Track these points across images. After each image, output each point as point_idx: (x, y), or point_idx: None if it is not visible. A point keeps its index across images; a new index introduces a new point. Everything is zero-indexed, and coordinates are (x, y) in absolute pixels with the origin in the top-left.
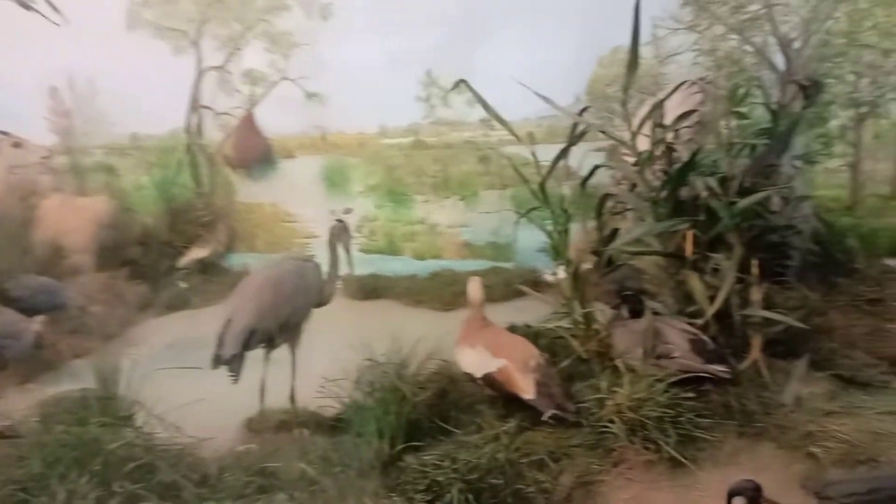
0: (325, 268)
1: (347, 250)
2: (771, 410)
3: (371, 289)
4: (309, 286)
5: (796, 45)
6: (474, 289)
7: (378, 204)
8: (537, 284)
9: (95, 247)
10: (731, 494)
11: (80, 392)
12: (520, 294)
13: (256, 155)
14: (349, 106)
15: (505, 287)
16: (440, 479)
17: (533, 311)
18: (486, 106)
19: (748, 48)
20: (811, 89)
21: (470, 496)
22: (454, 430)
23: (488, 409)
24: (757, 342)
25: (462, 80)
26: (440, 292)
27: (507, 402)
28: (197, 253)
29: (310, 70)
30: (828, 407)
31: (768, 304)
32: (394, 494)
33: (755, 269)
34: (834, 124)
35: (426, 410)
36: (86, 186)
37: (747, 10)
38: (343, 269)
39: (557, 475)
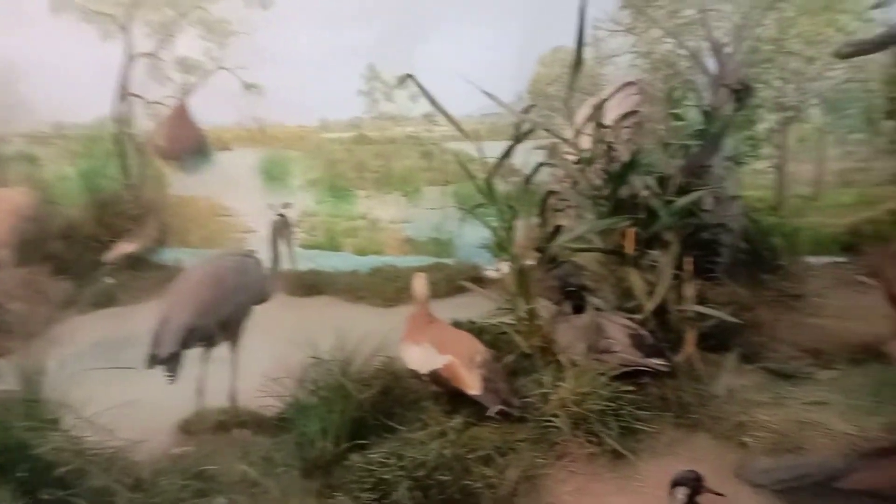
0: (266, 263)
1: (289, 245)
2: (705, 402)
3: (311, 285)
4: (250, 282)
5: (728, 50)
6: (420, 285)
7: (318, 199)
8: (479, 280)
9: (15, 240)
10: (674, 485)
11: (2, 394)
12: (462, 290)
13: (189, 146)
14: (289, 98)
15: (447, 283)
16: (387, 476)
17: (475, 306)
18: (434, 102)
19: (683, 52)
20: (742, 93)
21: (417, 493)
22: (399, 427)
23: (433, 405)
24: (691, 336)
25: (409, 75)
26: (382, 288)
27: (453, 398)
28: (125, 247)
29: (248, 60)
30: (757, 398)
31: (701, 300)
32: (339, 494)
33: (689, 266)
34: (761, 127)
35: (371, 408)
36: (4, 177)
37: (683, 14)
38: (284, 265)
39: (503, 470)
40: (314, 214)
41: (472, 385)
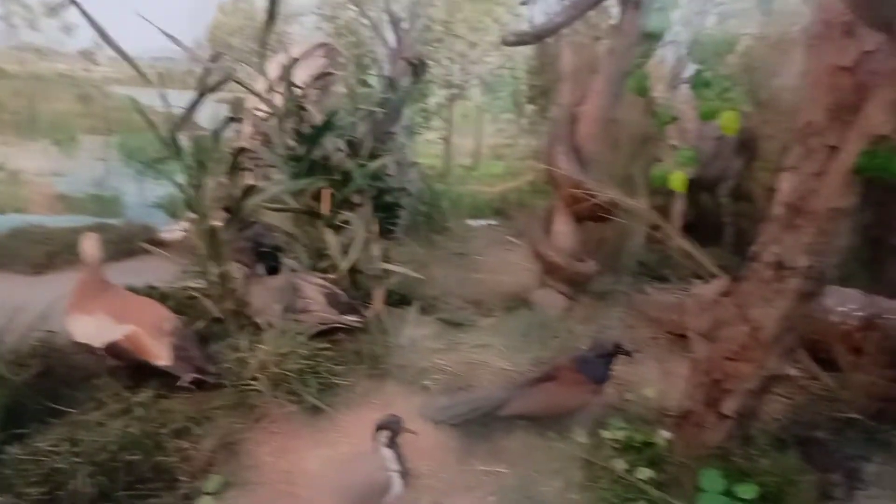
0: None
1: None
2: (392, 352)
3: None
4: None
5: (405, 24)
6: (90, 246)
7: None
8: (154, 242)
9: None
10: (378, 429)
11: None
12: (132, 253)
13: None
14: None
15: (114, 246)
16: (60, 466)
17: (150, 271)
18: (106, 38)
19: (365, 21)
20: (418, 68)
21: (101, 479)
22: (69, 409)
23: (112, 381)
24: (379, 293)
25: (72, 1)
26: (26, 253)
27: (135, 371)
28: None
29: None
30: (435, 345)
31: (386, 259)
32: None
33: (375, 227)
34: (432, 101)
35: (29, 392)
36: None
37: None
38: None
39: (200, 440)
40: None
41: (161, 355)
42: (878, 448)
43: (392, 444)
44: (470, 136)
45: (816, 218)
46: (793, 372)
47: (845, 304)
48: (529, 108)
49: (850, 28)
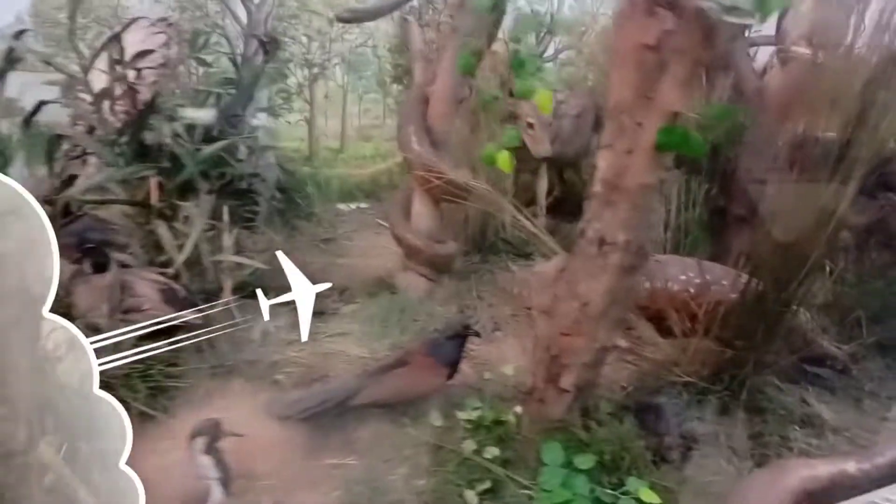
0: None
1: None
2: (241, 348)
3: None
4: None
5: (256, 0)
6: None
7: None
8: None
9: None
10: (192, 437)
11: None
12: None
13: None
14: None
15: None
16: None
17: None
18: None
19: None
20: (270, 45)
21: None
22: None
23: None
24: (228, 286)
25: None
26: None
27: None
28: None
29: None
30: (289, 337)
31: (239, 249)
32: None
33: (225, 216)
34: (292, 81)
35: None
36: None
37: None
38: None
39: None
40: None
41: None
42: (711, 409)
43: (210, 450)
44: (335, 118)
45: (629, 194)
46: (624, 343)
47: (685, 273)
48: (395, 87)
49: (652, 7)
